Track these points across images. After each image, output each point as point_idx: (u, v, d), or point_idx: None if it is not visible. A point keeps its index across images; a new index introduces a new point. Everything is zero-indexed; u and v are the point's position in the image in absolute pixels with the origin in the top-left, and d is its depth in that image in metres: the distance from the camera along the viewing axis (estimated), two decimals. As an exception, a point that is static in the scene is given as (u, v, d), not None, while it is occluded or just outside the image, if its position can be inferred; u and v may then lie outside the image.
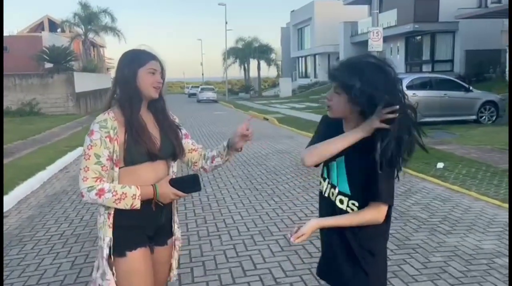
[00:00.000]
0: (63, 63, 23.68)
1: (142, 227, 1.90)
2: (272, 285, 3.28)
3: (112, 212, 1.84)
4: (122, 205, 1.79)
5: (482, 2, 22.76)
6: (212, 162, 2.08)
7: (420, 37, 24.06)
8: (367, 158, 1.57)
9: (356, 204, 1.65)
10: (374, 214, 1.62)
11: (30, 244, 4.32)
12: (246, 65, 42.88)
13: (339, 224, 1.65)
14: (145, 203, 1.85)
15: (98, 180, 1.78)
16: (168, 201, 1.91)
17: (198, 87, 43.36)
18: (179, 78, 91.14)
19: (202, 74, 69.38)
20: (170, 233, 2.06)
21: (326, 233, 1.76)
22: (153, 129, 1.91)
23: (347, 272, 1.68)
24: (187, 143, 2.07)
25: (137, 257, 1.85)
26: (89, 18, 30.43)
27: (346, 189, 1.67)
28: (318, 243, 4.05)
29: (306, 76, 40.39)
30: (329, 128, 1.75)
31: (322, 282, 1.88)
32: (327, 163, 1.73)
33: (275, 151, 9.43)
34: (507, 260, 3.58)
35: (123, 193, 1.79)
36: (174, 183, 1.89)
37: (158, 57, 1.89)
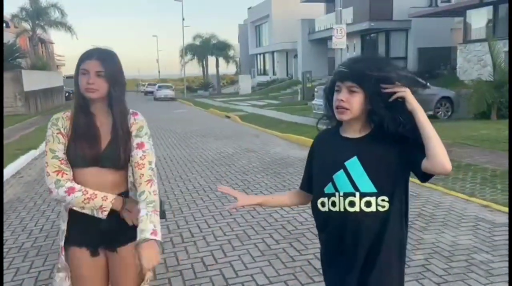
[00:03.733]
0: (10, 61, 22.27)
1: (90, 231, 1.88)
2: (256, 293, 3.15)
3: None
4: (90, 205, 1.79)
5: (433, 1, 23.71)
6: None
7: (375, 35, 24.70)
8: (379, 144, 1.56)
9: (386, 198, 1.58)
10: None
11: (-15, 259, 3.93)
12: (204, 62, 42.28)
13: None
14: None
15: (60, 174, 1.79)
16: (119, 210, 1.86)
17: (155, 84, 42.45)
18: (134, 76, 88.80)
19: (159, 71, 68.00)
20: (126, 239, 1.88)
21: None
22: (105, 134, 1.81)
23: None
24: (136, 155, 1.82)
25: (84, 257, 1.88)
26: (38, 13, 28.80)
27: (371, 188, 1.58)
28: (298, 245, 4.01)
29: (265, 73, 40.47)
30: (323, 146, 1.73)
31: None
32: (330, 178, 1.63)
33: (242, 150, 9.28)
34: (485, 256, 3.64)
35: (93, 193, 1.79)
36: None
37: (99, 55, 1.77)
